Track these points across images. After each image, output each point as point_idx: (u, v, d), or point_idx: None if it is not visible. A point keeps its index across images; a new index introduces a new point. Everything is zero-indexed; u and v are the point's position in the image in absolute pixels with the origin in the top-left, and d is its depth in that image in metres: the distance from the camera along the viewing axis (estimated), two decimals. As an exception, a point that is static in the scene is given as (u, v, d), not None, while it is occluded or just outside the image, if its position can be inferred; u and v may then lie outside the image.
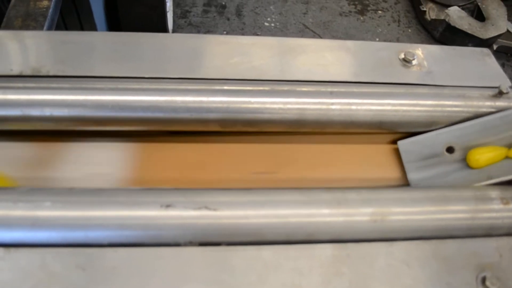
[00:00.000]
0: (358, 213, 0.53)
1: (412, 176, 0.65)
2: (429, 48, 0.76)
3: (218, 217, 0.49)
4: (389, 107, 0.63)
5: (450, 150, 0.65)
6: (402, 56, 0.72)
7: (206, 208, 0.49)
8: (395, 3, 3.04)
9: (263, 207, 0.51)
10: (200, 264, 0.48)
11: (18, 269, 0.46)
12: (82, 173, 0.59)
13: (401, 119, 0.63)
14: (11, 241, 0.47)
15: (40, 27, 1.14)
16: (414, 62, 0.72)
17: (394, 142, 0.68)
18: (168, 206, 0.49)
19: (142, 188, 0.52)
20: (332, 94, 0.61)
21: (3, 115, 0.56)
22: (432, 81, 0.70)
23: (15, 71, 0.62)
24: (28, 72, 0.62)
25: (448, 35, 2.58)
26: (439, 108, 0.64)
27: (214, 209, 0.49)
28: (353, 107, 0.61)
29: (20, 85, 0.57)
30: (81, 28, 1.73)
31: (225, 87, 0.59)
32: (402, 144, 0.67)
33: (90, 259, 0.47)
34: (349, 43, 0.73)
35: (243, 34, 2.69)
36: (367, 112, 0.62)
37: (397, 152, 0.68)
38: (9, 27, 1.11)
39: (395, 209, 0.54)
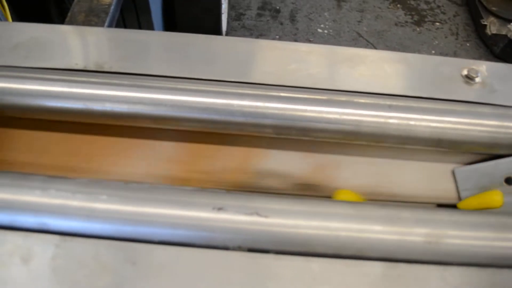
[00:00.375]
0: (411, 233, 0.51)
1: None
2: (494, 65, 0.72)
3: (269, 224, 0.49)
4: (449, 125, 0.60)
5: (509, 181, 0.62)
6: (465, 72, 0.70)
7: (257, 214, 0.49)
8: (454, 16, 2.95)
9: (314, 218, 0.50)
10: (248, 270, 0.48)
11: (72, 257, 0.47)
12: (135, 169, 0.61)
13: (461, 138, 0.61)
14: (67, 230, 0.48)
15: (102, 23, 1.19)
16: (477, 79, 0.69)
17: (452, 161, 0.66)
18: (220, 209, 0.49)
19: (196, 188, 0.52)
20: (390, 108, 0.60)
21: (68, 107, 0.58)
22: (496, 100, 0.67)
23: (80, 66, 0.65)
24: (91, 67, 0.64)
25: (509, 52, 2.47)
26: (503, 130, 0.61)
27: (265, 216, 0.49)
28: (412, 122, 0.59)
29: (84, 79, 0.59)
30: (139, 25, 1.78)
31: (282, 94, 0.59)
32: (459, 171, 0.65)
33: (140, 255, 0.48)
34: (410, 56, 0.71)
35: (295, 40, 2.69)
36: (426, 128, 0.60)
37: (454, 173, 0.66)
38: (72, 21, 1.16)
39: (451, 232, 0.52)
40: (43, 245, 0.47)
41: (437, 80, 0.68)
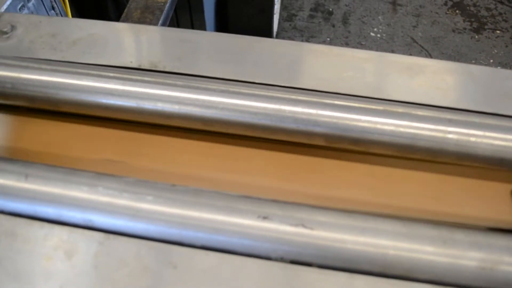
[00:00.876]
0: (465, 257, 0.48)
1: None
2: None
3: (314, 236, 0.47)
4: (513, 144, 0.56)
5: None
6: (534, 87, 0.65)
7: (303, 226, 0.47)
8: (517, 24, 2.81)
9: (362, 233, 0.48)
10: (289, 282, 0.47)
11: (114, 256, 0.47)
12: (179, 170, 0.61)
13: None
14: (111, 228, 0.49)
15: (156, 20, 1.21)
16: (547, 95, 0.64)
17: (510, 181, 0.62)
18: (265, 217, 0.48)
19: (242, 195, 0.51)
20: (450, 122, 0.56)
21: (120, 105, 0.58)
22: None
23: (134, 64, 0.65)
24: (146, 65, 0.65)
25: None
26: None
27: (311, 228, 0.47)
28: (472, 138, 0.56)
29: (138, 78, 0.60)
30: (191, 23, 1.80)
31: (336, 102, 0.57)
32: None
33: (182, 258, 0.47)
34: (473, 67, 0.67)
35: (347, 43, 2.64)
36: (488, 146, 0.56)
37: (512, 194, 0.61)
38: (128, 18, 1.19)
39: (508, 258, 0.49)
40: (87, 242, 0.48)
41: (502, 95, 0.64)
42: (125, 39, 0.70)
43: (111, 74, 0.59)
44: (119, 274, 0.46)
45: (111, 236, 0.48)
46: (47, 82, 0.60)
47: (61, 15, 1.23)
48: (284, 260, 0.48)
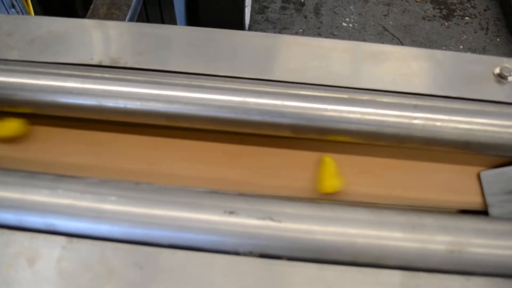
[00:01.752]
0: (433, 241, 0.49)
1: (493, 210, 0.59)
2: (528, 63, 0.68)
3: (282, 229, 0.47)
4: (478, 127, 0.57)
5: None
6: (497, 71, 0.66)
7: (270, 219, 0.47)
8: (485, 10, 2.85)
9: (330, 223, 0.48)
10: (259, 277, 0.46)
11: (78, 260, 0.46)
12: (146, 167, 0.59)
13: (491, 141, 0.57)
14: (74, 232, 0.47)
15: (123, 16, 1.18)
16: (510, 78, 0.65)
17: (478, 164, 0.62)
18: (231, 212, 0.47)
19: (207, 190, 0.50)
20: (416, 108, 0.56)
21: (80, 104, 0.56)
22: (530, 101, 0.63)
23: (95, 61, 0.64)
24: (107, 62, 0.63)
25: (543, 48, 2.38)
26: (536, 132, 0.57)
27: (279, 221, 0.47)
28: (438, 123, 0.56)
29: (98, 75, 0.58)
30: (162, 19, 1.77)
31: (301, 92, 0.57)
32: (486, 175, 0.61)
33: (148, 258, 0.46)
34: (438, 53, 0.68)
35: (319, 34, 2.64)
36: (453, 130, 0.56)
37: (479, 176, 0.62)
38: (94, 14, 1.16)
39: (476, 240, 0.49)
40: (49, 247, 0.46)
41: (467, 79, 0.64)
42: (85, 36, 0.68)
43: (70, 72, 0.57)
44: (84, 279, 0.45)
45: (74, 239, 0.47)
46: (4, 82, 0.58)
47: (22, 14, 1.19)
48: (253, 254, 0.47)
